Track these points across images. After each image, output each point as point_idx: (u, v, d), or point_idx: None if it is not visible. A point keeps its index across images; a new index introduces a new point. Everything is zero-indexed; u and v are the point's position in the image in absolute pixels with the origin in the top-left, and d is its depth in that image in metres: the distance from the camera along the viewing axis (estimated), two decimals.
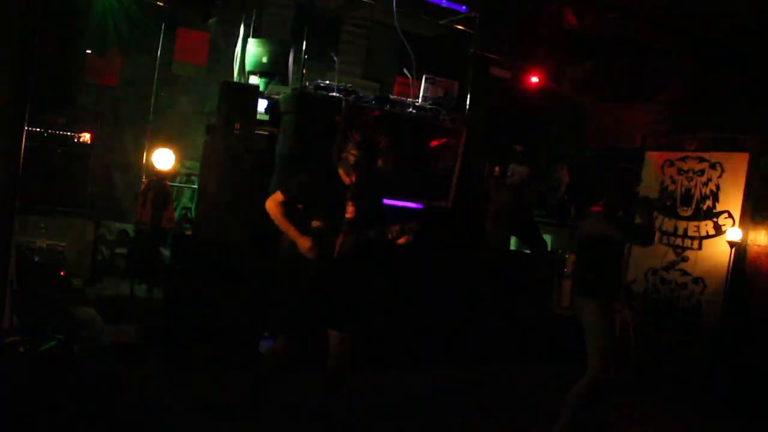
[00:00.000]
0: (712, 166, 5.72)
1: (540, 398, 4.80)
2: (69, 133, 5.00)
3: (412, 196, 5.14)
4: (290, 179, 3.65)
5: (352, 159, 3.53)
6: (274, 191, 3.59)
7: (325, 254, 3.50)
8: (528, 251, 6.56)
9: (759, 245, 5.48)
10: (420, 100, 5.17)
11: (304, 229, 3.50)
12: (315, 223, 3.55)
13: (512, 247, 6.55)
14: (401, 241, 3.53)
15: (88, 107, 5.43)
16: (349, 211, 3.58)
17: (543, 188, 7.17)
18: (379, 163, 3.53)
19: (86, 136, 5.07)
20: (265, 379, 3.77)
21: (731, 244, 5.26)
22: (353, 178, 3.55)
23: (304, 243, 3.47)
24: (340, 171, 3.62)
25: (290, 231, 3.50)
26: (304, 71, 4.93)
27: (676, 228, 5.93)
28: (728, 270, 5.31)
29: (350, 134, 3.62)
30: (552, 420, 3.83)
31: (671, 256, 5.92)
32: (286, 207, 3.54)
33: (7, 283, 2.08)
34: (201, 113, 5.50)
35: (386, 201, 4.93)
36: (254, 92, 4.83)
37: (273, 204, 3.55)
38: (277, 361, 3.71)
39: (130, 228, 5.66)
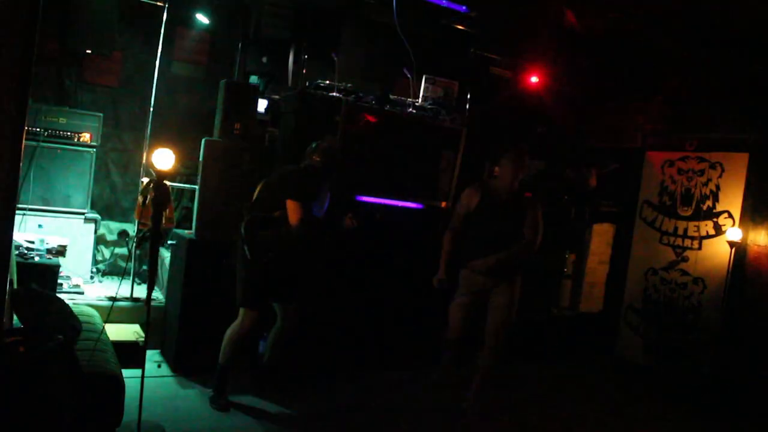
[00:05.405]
0: (712, 166, 5.72)
1: (541, 397, 4.81)
2: (69, 133, 5.01)
3: (411, 196, 5.14)
4: (301, 189, 3.86)
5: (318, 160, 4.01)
6: (292, 207, 3.77)
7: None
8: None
9: (759, 245, 5.48)
10: (420, 100, 5.17)
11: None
12: (276, 214, 3.84)
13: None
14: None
15: (88, 107, 5.43)
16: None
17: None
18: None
19: (86, 136, 5.08)
20: (227, 369, 3.97)
21: (731, 244, 5.26)
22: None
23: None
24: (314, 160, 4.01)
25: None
26: (304, 71, 4.94)
27: (676, 228, 5.94)
28: (728, 270, 5.31)
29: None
30: (553, 419, 3.84)
31: (671, 256, 5.93)
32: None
33: (6, 283, 2.08)
34: (201, 113, 5.49)
35: (386, 201, 4.97)
36: (254, 92, 4.84)
37: (301, 214, 3.79)
38: (244, 340, 3.99)
39: (130, 228, 5.66)
